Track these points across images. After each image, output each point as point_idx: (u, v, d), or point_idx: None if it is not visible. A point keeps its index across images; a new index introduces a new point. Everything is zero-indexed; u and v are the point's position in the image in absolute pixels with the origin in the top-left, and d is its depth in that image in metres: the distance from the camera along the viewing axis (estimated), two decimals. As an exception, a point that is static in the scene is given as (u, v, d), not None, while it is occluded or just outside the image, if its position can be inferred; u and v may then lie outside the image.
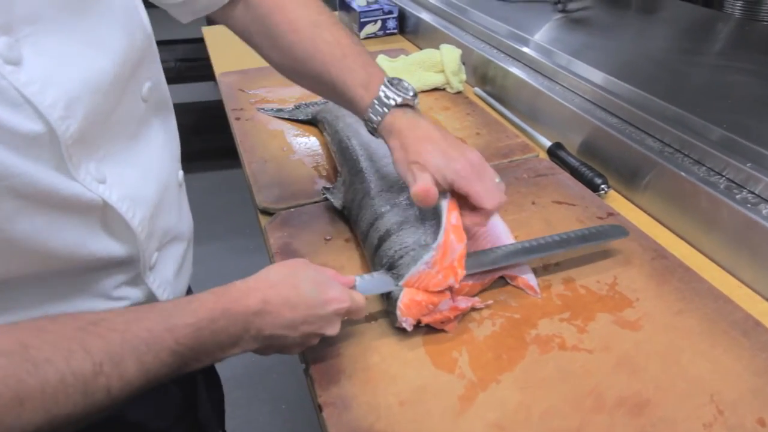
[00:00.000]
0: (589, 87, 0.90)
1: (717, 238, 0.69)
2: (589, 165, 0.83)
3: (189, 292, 0.65)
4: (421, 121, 0.61)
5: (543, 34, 1.10)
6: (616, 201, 0.80)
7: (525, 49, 1.05)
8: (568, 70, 0.95)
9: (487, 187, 0.57)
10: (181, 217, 0.59)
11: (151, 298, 0.54)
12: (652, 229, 0.73)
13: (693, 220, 0.71)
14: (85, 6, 0.43)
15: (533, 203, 0.77)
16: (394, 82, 0.61)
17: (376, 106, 0.60)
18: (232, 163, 0.91)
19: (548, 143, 0.90)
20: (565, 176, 0.83)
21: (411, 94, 0.61)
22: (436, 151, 0.57)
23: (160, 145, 0.55)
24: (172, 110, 0.60)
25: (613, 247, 0.69)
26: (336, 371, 0.54)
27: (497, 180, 0.60)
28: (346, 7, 1.51)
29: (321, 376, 0.54)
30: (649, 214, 0.78)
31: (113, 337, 0.41)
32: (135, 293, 0.52)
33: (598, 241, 0.67)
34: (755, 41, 1.07)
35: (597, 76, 0.91)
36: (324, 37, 0.63)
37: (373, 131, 0.62)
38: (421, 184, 0.55)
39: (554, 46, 1.02)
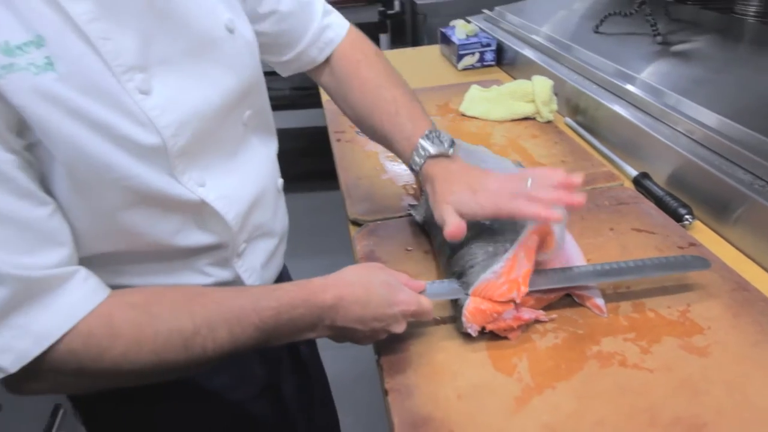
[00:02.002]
0: (680, 118, 0.90)
1: None
2: (675, 195, 0.83)
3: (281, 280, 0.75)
4: (452, 166, 0.67)
5: (640, 67, 1.10)
6: (700, 232, 0.79)
7: (622, 84, 1.06)
8: (667, 105, 0.94)
9: (509, 203, 0.61)
10: (275, 218, 0.70)
11: (237, 280, 0.64)
12: (737, 263, 0.72)
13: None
14: (203, 52, 0.56)
15: (611, 229, 0.79)
16: (432, 135, 0.68)
17: (415, 157, 0.68)
18: (333, 184, 1.03)
19: (634, 173, 0.91)
20: (649, 205, 0.84)
21: (446, 145, 0.68)
22: (462, 190, 0.63)
23: (258, 159, 0.67)
24: (274, 132, 0.72)
25: (690, 276, 0.69)
26: (403, 363, 0.60)
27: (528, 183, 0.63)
28: (446, 40, 1.61)
29: (389, 366, 0.60)
30: (735, 247, 0.76)
31: (212, 307, 0.52)
32: (223, 274, 0.63)
33: (674, 271, 0.68)
34: None
35: (694, 110, 0.90)
36: (384, 96, 0.73)
37: (417, 178, 0.70)
38: (450, 227, 0.61)
39: (652, 80, 1.02)
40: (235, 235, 0.61)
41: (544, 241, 0.64)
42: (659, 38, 1.18)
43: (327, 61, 0.76)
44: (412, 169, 0.70)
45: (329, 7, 0.77)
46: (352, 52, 0.77)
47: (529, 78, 1.18)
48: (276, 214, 0.70)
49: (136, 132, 0.49)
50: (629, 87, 1.04)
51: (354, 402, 1.28)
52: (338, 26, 0.77)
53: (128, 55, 0.48)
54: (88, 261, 0.51)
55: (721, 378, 0.55)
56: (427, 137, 0.68)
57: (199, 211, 0.57)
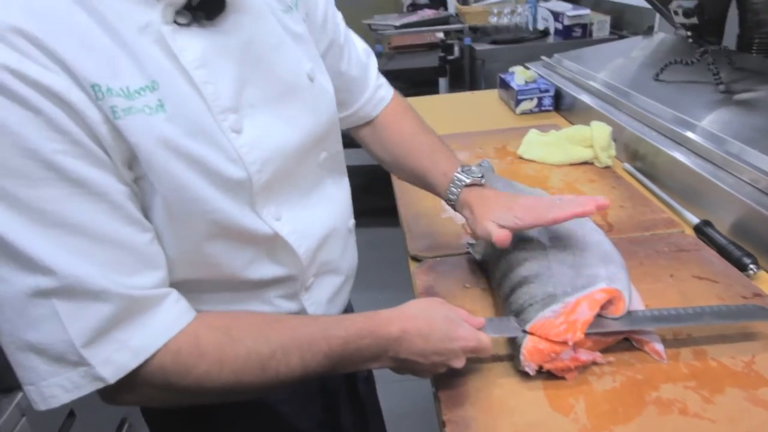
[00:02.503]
0: (743, 167, 0.89)
1: None
2: (738, 244, 0.82)
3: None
4: (487, 192, 0.75)
5: (702, 115, 1.10)
6: (766, 283, 0.78)
7: (683, 131, 1.07)
8: (730, 153, 0.93)
9: (548, 212, 0.67)
10: (344, 256, 0.74)
11: (303, 313, 0.68)
12: (806, 315, 0.70)
13: None
14: (287, 97, 0.61)
15: (671, 276, 0.79)
16: (465, 169, 0.76)
17: (452, 188, 0.76)
18: (392, 221, 1.07)
19: (695, 220, 0.91)
20: (710, 253, 0.83)
21: (479, 176, 0.76)
22: (499, 209, 0.71)
23: (331, 199, 0.72)
24: (345, 174, 0.77)
25: (754, 326, 0.68)
26: (461, 396, 0.62)
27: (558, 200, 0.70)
28: (505, 85, 1.65)
29: (447, 399, 0.62)
30: None
31: (286, 333, 0.55)
32: (290, 306, 0.66)
33: (736, 320, 0.67)
34: None
35: (758, 159, 0.88)
36: (421, 140, 0.83)
37: (453, 207, 0.78)
38: (498, 233, 0.68)
39: (715, 128, 1.02)
40: (305, 269, 0.65)
41: (612, 304, 0.65)
42: (722, 87, 1.18)
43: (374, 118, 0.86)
44: (449, 200, 0.77)
45: (379, 74, 0.88)
46: (395, 107, 0.87)
47: (587, 123, 1.20)
48: (345, 252, 0.74)
49: (227, 167, 0.54)
50: (690, 134, 1.05)
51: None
52: (386, 87, 0.88)
53: (225, 97, 0.54)
54: (173, 286, 0.55)
55: (787, 432, 0.54)
56: (461, 171, 0.76)
57: (272, 244, 0.61)
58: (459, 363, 0.61)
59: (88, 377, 0.47)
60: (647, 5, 1.67)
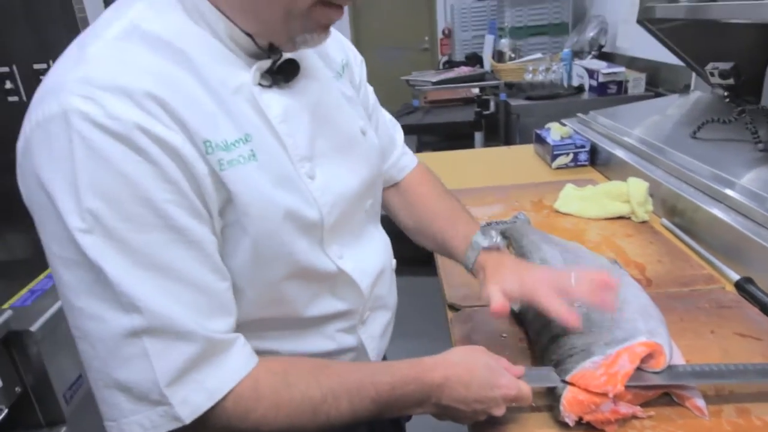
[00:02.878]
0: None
1: None
2: (782, 303, 0.82)
3: (384, 358, 0.80)
4: (503, 257, 0.76)
5: (740, 173, 1.11)
6: (811, 343, 0.77)
7: (722, 189, 1.08)
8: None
9: (553, 301, 0.65)
10: (390, 293, 0.78)
11: (360, 346, 0.71)
12: None
13: None
14: (347, 149, 0.68)
15: (712, 332, 0.79)
16: (485, 231, 0.78)
17: (469, 251, 0.78)
18: (429, 270, 1.11)
19: (736, 277, 0.91)
20: (753, 311, 0.83)
21: (496, 240, 0.77)
22: (510, 274, 0.71)
23: (376, 240, 0.77)
24: (379, 220, 0.81)
25: None
26: (497, 443, 0.63)
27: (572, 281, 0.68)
28: (540, 140, 1.70)
29: (485, 444, 0.63)
30: None
31: (336, 379, 0.58)
32: (349, 340, 0.70)
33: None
34: None
35: None
36: (442, 207, 0.87)
37: (472, 271, 0.78)
38: (494, 304, 0.68)
39: (754, 186, 1.03)
40: (365, 303, 0.69)
41: (653, 358, 0.66)
42: (761, 145, 1.19)
43: (398, 183, 0.91)
44: (466, 266, 0.79)
45: (407, 149, 0.94)
46: (419, 175, 0.92)
47: (623, 179, 1.23)
48: (391, 289, 0.78)
49: (305, 209, 0.59)
50: (729, 191, 1.06)
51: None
52: (411, 156, 0.93)
53: (301, 148, 0.60)
54: (239, 326, 0.59)
55: (838, 496, 0.53)
56: (480, 233, 0.78)
57: (335, 281, 0.66)
58: (499, 411, 0.62)
59: (167, 416, 0.49)
60: (684, 64, 1.71)
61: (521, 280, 0.70)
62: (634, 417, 0.64)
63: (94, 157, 0.45)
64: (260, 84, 0.57)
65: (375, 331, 0.73)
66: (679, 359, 0.70)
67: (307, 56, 0.64)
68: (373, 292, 0.71)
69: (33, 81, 1.61)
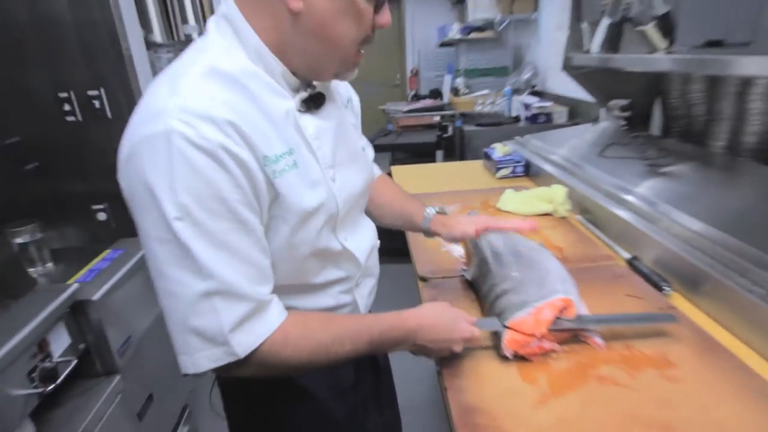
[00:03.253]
0: (663, 220, 1.00)
1: (756, 332, 0.73)
2: (659, 273, 0.92)
3: (369, 310, 0.84)
4: (451, 217, 0.93)
5: (635, 182, 1.21)
6: (677, 300, 0.87)
7: (620, 194, 1.18)
8: (656, 211, 1.05)
9: (504, 223, 0.90)
10: (376, 264, 0.83)
11: (354, 304, 0.76)
12: (704, 323, 0.80)
13: (737, 318, 0.77)
14: (356, 160, 0.73)
15: (609, 293, 0.88)
16: (432, 205, 0.94)
17: (425, 217, 0.93)
18: (404, 259, 1.17)
19: (627, 255, 1.01)
20: (638, 279, 0.93)
21: (443, 209, 0.95)
22: (463, 220, 0.91)
23: (368, 226, 0.82)
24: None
25: (668, 328, 0.77)
26: (458, 371, 0.71)
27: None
28: (487, 157, 1.79)
29: (448, 373, 0.71)
30: (702, 311, 0.84)
31: (341, 328, 0.63)
32: (347, 298, 0.75)
33: (650, 322, 0.77)
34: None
35: (675, 214, 0.99)
36: (400, 196, 0.98)
37: (428, 232, 0.93)
38: (477, 230, 0.89)
39: (644, 191, 1.14)
40: (361, 272, 0.75)
41: (567, 310, 0.75)
42: (648, 161, 1.30)
43: None
44: (424, 228, 0.93)
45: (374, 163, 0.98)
46: (382, 180, 1.00)
47: (549, 185, 1.33)
48: (376, 262, 0.84)
49: (329, 203, 0.65)
50: (624, 195, 1.16)
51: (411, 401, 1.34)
52: (378, 169, 0.98)
53: (327, 158, 0.65)
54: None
55: (687, 398, 0.63)
56: (429, 207, 0.94)
57: (340, 256, 0.71)
58: (458, 348, 0.70)
59: (227, 353, 0.55)
60: (595, 101, 1.82)
61: (474, 222, 0.88)
62: (553, 351, 0.73)
63: (188, 166, 0.50)
64: (300, 109, 0.62)
65: (365, 292, 0.78)
66: (585, 311, 0.79)
67: (328, 91, 0.69)
68: (367, 264, 0.76)
69: (87, 104, 1.58)
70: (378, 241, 0.86)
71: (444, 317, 0.70)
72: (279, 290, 0.64)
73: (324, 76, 0.64)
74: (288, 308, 0.66)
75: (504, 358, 0.73)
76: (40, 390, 0.96)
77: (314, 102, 0.64)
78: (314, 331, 0.62)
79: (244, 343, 0.55)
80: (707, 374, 0.67)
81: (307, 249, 0.65)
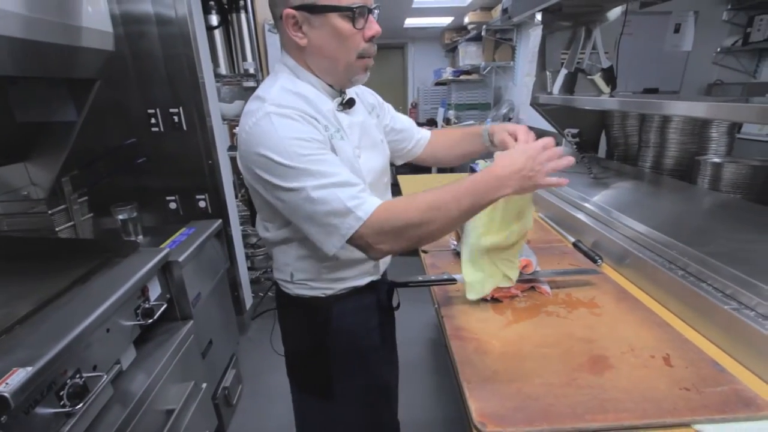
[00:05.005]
0: (599, 214, 1.16)
1: (656, 287, 0.89)
2: (594, 251, 1.07)
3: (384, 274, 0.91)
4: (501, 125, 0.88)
5: (585, 192, 1.38)
6: (606, 269, 1.02)
7: (571, 197, 1.34)
8: (597, 210, 1.21)
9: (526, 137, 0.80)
10: None
11: (376, 263, 0.84)
12: (624, 283, 0.95)
13: (646, 279, 0.92)
14: (375, 147, 0.83)
15: (558, 263, 1.04)
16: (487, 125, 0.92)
17: (484, 132, 0.91)
18: None
19: (572, 239, 1.16)
20: (580, 255, 1.08)
21: (491, 122, 0.94)
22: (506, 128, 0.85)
23: (390, 199, 0.90)
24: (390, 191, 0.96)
25: (597, 284, 0.92)
26: (450, 306, 0.86)
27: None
28: (473, 170, 1.94)
29: (443, 307, 0.86)
30: (623, 276, 0.99)
31: (437, 190, 0.66)
32: (368, 267, 0.84)
33: (582, 273, 0.93)
34: (714, 202, 1.22)
35: (614, 214, 1.14)
36: (455, 136, 0.99)
37: (490, 141, 0.90)
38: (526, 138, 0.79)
39: (589, 197, 1.29)
40: None
41: (527, 267, 0.90)
42: (592, 176, 1.46)
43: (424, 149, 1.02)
44: (486, 142, 0.90)
45: (422, 129, 1.03)
46: (434, 136, 1.02)
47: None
48: None
49: (357, 174, 0.72)
50: (573, 198, 1.31)
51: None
52: (426, 135, 1.02)
53: (356, 141, 0.76)
54: (301, 256, 0.76)
55: (606, 324, 0.78)
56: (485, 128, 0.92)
57: None
58: (547, 168, 0.68)
59: (355, 218, 0.62)
60: (554, 129, 1.98)
61: (511, 129, 0.82)
62: (516, 296, 0.88)
63: (285, 124, 0.64)
64: (337, 109, 0.75)
65: (387, 262, 0.89)
66: (538, 269, 0.94)
67: (357, 97, 0.80)
68: None
69: (168, 119, 1.74)
70: None
71: (520, 155, 0.67)
72: (307, 260, 0.75)
73: (343, 83, 0.75)
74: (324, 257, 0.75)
75: (484, 300, 0.87)
76: (142, 322, 1.11)
77: (347, 104, 0.78)
78: (417, 196, 0.64)
79: (363, 208, 0.63)
80: (620, 311, 0.83)
81: None
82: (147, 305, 1.14)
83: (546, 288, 0.90)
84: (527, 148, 0.66)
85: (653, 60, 2.19)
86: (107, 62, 1.34)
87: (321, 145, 0.66)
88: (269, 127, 0.64)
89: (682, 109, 0.92)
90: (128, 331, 1.07)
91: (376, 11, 0.72)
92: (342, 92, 0.78)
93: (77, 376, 0.85)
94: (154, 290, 1.20)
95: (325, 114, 0.72)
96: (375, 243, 0.64)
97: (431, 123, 4.19)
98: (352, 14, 0.67)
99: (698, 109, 0.85)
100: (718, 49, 2.33)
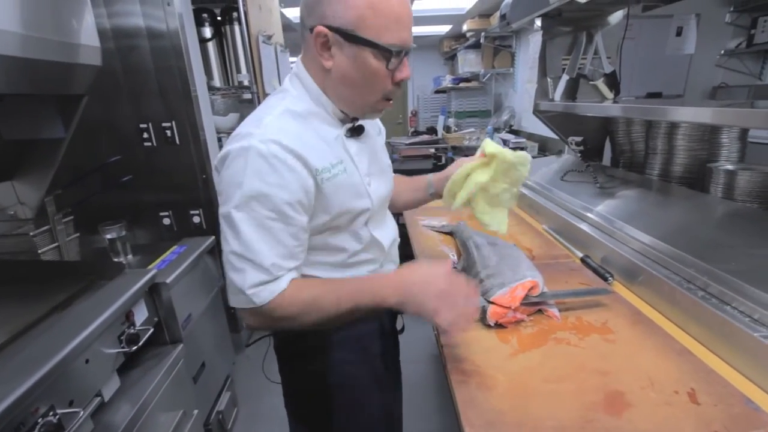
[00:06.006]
0: (606, 227, 1.09)
1: (673, 308, 0.81)
2: (604, 267, 1.00)
3: None
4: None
5: (589, 202, 1.31)
6: (618, 287, 0.95)
7: (576, 209, 1.27)
8: (604, 221, 1.14)
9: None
10: (396, 254, 0.88)
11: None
12: (637, 303, 0.88)
13: (661, 298, 0.85)
14: (384, 173, 0.80)
15: (566, 281, 0.96)
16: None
17: (429, 183, 0.93)
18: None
19: (580, 255, 1.09)
20: (589, 272, 1.01)
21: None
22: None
23: (391, 224, 0.87)
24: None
25: (609, 305, 0.85)
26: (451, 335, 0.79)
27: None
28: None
29: (444, 337, 0.78)
30: (636, 295, 0.92)
31: (345, 282, 0.67)
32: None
33: (593, 294, 0.85)
34: (729, 212, 1.15)
35: (619, 225, 1.08)
36: (400, 186, 0.98)
37: (432, 195, 0.92)
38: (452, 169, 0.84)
39: (595, 208, 1.22)
40: (385, 257, 0.79)
41: (534, 288, 0.83)
42: (598, 185, 1.39)
43: None
44: (428, 192, 0.93)
45: None
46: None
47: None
48: (396, 253, 0.87)
49: (365, 201, 0.72)
50: (579, 209, 1.24)
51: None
52: None
53: (365, 169, 0.73)
54: (311, 263, 0.72)
55: (621, 353, 0.71)
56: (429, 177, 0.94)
57: (369, 244, 0.76)
58: (452, 315, 0.64)
59: (246, 300, 0.63)
60: (558, 137, 1.92)
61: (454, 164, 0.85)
62: (523, 320, 0.81)
63: (254, 170, 0.60)
64: (345, 135, 0.71)
65: (390, 269, 0.82)
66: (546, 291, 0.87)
67: (366, 124, 0.77)
68: (389, 251, 0.82)
69: (160, 134, 1.69)
70: (398, 238, 0.90)
71: (439, 277, 0.66)
72: (318, 266, 0.71)
73: (358, 115, 0.72)
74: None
75: (487, 326, 0.80)
76: (126, 350, 1.04)
77: (357, 131, 0.74)
78: (320, 295, 0.65)
79: (261, 296, 0.63)
80: (636, 337, 0.75)
81: (347, 238, 0.72)
82: (132, 330, 1.08)
83: (555, 312, 0.83)
84: (457, 283, 0.64)
85: (656, 64, 2.14)
86: (96, 77, 1.30)
87: (281, 209, 0.62)
88: (241, 165, 0.61)
89: (688, 115, 0.87)
90: (111, 360, 1.01)
91: (410, 54, 0.67)
92: (353, 119, 0.73)
93: (50, 413, 0.79)
94: (141, 314, 1.14)
95: (330, 142, 0.68)
96: (253, 323, 0.66)
97: (431, 131, 4.15)
98: (389, 55, 0.63)
99: (705, 115, 0.79)
100: (722, 52, 2.27)
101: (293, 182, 0.63)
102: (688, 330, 0.78)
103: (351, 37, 0.62)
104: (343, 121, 0.73)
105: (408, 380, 1.07)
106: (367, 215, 0.75)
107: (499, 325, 0.80)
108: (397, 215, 1.01)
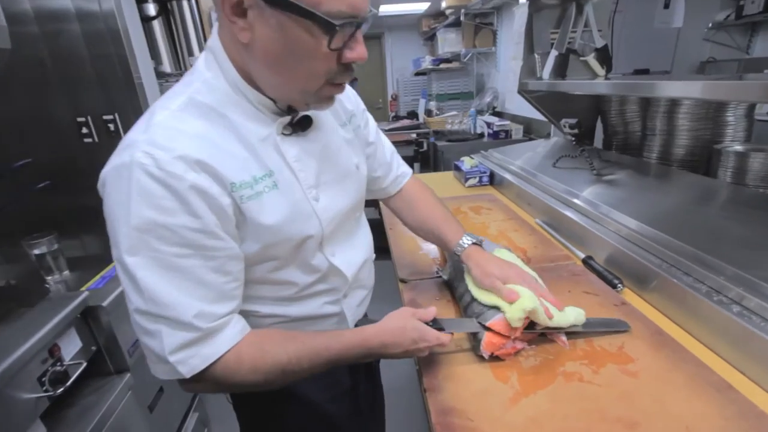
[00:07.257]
0: (610, 221, 0.94)
1: (701, 325, 0.67)
2: (610, 271, 0.85)
3: (365, 316, 0.74)
4: (485, 253, 0.73)
5: (583, 189, 1.16)
6: (629, 295, 0.81)
7: (572, 199, 1.13)
8: (602, 213, 0.99)
9: (527, 281, 0.66)
10: (369, 276, 0.73)
11: (342, 314, 0.66)
12: (654, 316, 0.73)
13: (683, 312, 0.71)
14: (343, 179, 0.63)
15: (569, 291, 0.81)
16: (469, 234, 0.75)
17: (461, 242, 0.74)
18: (386, 256, 1.08)
19: (582, 255, 0.94)
20: (593, 277, 0.86)
21: (480, 240, 0.74)
22: (497, 268, 0.69)
23: (362, 241, 0.71)
24: (367, 224, 0.76)
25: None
26: (436, 371, 0.63)
27: (539, 280, 0.69)
28: (457, 168, 1.72)
29: (427, 373, 0.63)
30: (652, 306, 0.77)
31: (298, 346, 0.53)
32: (334, 309, 0.65)
33: (607, 328, 0.69)
34: (750, 202, 1.02)
35: (619, 217, 0.94)
36: (438, 211, 0.80)
37: (458, 258, 0.74)
38: (507, 293, 0.64)
39: (591, 197, 1.08)
40: (348, 285, 0.65)
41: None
42: (594, 171, 1.25)
43: (399, 192, 0.84)
44: (455, 253, 0.74)
45: (403, 162, 0.86)
46: (415, 185, 0.85)
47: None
48: (369, 274, 0.73)
49: (310, 225, 0.56)
50: (575, 200, 1.10)
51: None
52: (407, 173, 0.85)
53: (310, 179, 0.57)
54: (250, 298, 0.56)
55: (647, 392, 0.56)
56: (467, 235, 0.75)
57: (327, 272, 0.62)
58: (423, 354, 0.59)
59: (174, 371, 0.48)
60: (545, 119, 1.77)
61: (504, 274, 0.68)
62: (523, 349, 0.66)
63: (143, 195, 0.44)
64: (282, 133, 0.54)
65: (353, 303, 0.68)
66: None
67: (319, 114, 0.60)
68: (356, 277, 0.67)
69: (102, 128, 1.48)
70: (373, 255, 0.75)
71: (407, 330, 0.57)
72: (262, 300, 0.56)
73: (296, 105, 0.54)
74: (271, 316, 0.58)
75: (480, 358, 0.65)
76: (50, 393, 0.85)
77: (300, 125, 0.56)
78: (270, 351, 0.52)
79: (189, 364, 0.48)
80: (661, 367, 0.61)
81: (291, 265, 0.56)
82: (59, 367, 0.89)
83: (563, 337, 0.67)
84: (420, 334, 0.58)
85: (642, 39, 1.99)
86: (13, 64, 1.06)
87: (192, 240, 0.46)
88: (124, 189, 0.44)
89: (695, 90, 0.75)
90: (30, 408, 0.82)
91: (364, 26, 0.47)
92: (292, 109, 0.55)
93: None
94: (71, 346, 0.95)
95: (254, 145, 0.51)
96: (200, 389, 0.51)
97: (412, 116, 3.96)
98: (332, 29, 0.45)
99: (718, 90, 0.68)
100: (710, 25, 2.13)
101: (199, 206, 0.46)
102: (718, 350, 0.64)
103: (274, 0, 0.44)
104: (278, 114, 0.55)
105: (387, 384, 0.93)
106: (316, 241, 0.58)
107: (495, 358, 0.64)
108: (374, 202, 0.84)
